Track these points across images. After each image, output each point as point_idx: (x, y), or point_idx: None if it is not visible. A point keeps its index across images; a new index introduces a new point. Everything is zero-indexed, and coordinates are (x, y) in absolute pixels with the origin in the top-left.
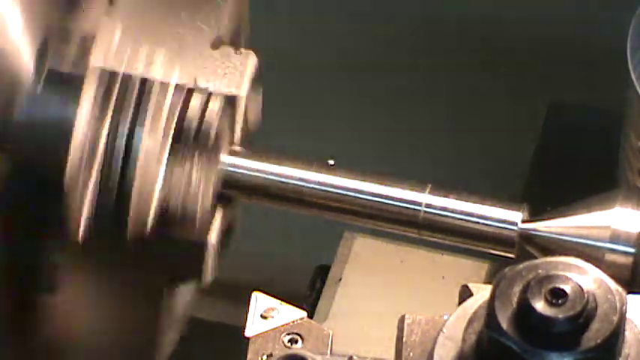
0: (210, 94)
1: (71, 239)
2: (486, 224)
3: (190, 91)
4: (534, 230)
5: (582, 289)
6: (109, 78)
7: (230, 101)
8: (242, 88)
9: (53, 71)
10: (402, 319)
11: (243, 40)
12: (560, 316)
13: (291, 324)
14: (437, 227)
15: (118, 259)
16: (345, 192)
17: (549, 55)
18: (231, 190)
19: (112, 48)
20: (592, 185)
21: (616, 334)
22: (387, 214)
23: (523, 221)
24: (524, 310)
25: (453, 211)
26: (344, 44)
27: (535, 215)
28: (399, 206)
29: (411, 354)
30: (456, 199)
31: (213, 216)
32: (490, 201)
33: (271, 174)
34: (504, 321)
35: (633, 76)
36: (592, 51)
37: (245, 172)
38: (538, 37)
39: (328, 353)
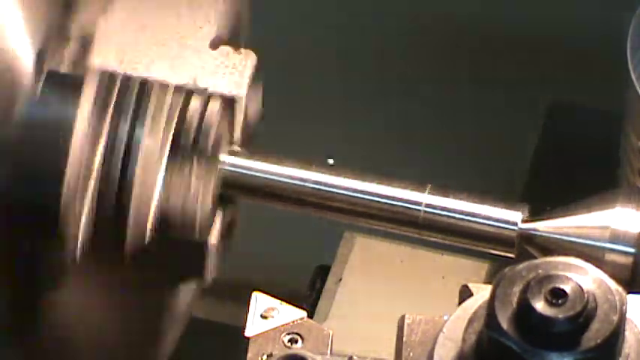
0: (209, 95)
1: (69, 255)
2: (486, 224)
3: (190, 92)
4: (534, 230)
5: (582, 289)
6: (108, 79)
7: (230, 101)
8: (242, 88)
9: (53, 72)
10: (402, 319)
11: (242, 39)
12: (560, 316)
13: (291, 324)
14: (437, 227)
15: (119, 261)
16: (345, 192)
17: (549, 55)
18: (231, 190)
19: (111, 48)
20: (592, 185)
21: (616, 334)
22: (387, 214)
23: (523, 221)
24: (524, 310)
25: (453, 211)
26: (344, 44)
27: (535, 215)
28: (399, 206)
29: (411, 354)
30: (456, 199)
31: (213, 216)
32: (490, 201)
33: (271, 174)
34: (504, 321)
35: (633, 76)
36: (592, 51)
37: (245, 172)
38: (538, 37)
39: (328, 353)
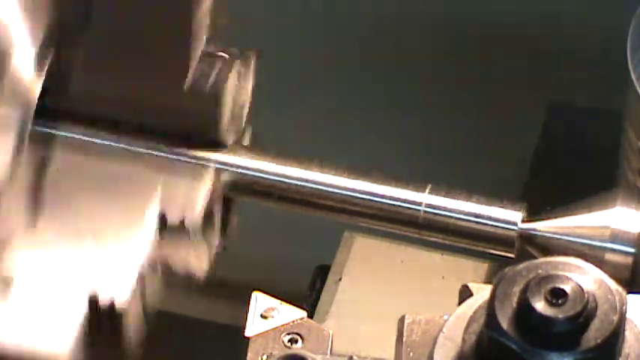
0: None
1: None
2: (486, 224)
3: None
4: (534, 230)
5: (582, 289)
6: None
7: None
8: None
9: None
10: (402, 319)
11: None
12: (560, 316)
13: (291, 324)
14: (437, 227)
15: None
16: (345, 192)
17: (549, 55)
18: (232, 190)
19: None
20: (592, 185)
21: (616, 334)
22: (387, 214)
23: (523, 221)
24: (524, 310)
25: (453, 211)
26: (344, 44)
27: (535, 215)
28: (399, 206)
29: (411, 354)
30: (456, 199)
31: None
32: (490, 201)
33: (271, 174)
34: (504, 321)
35: (633, 76)
36: (592, 51)
37: (245, 172)
38: (538, 37)
39: (328, 353)
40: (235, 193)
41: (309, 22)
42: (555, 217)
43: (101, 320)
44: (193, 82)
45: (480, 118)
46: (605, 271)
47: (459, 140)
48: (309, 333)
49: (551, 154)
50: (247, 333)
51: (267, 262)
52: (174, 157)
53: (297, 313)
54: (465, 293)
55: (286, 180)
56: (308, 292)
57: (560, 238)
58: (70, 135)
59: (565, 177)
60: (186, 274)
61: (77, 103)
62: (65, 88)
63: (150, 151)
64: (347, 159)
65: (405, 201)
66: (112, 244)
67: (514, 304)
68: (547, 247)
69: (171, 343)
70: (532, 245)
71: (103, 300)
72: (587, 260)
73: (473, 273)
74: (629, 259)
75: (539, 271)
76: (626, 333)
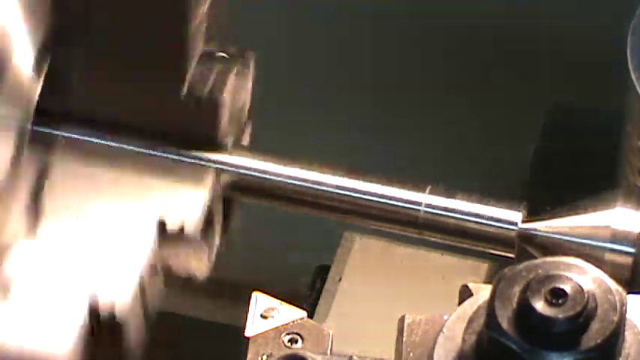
0: None
1: None
2: (486, 224)
3: None
4: (534, 230)
5: (582, 289)
6: None
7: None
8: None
9: None
10: (402, 319)
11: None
12: (560, 316)
13: (291, 324)
14: (437, 227)
15: None
16: (345, 192)
17: (549, 55)
18: (232, 191)
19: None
20: (592, 185)
21: (616, 334)
22: (387, 214)
23: (523, 221)
24: (524, 310)
25: (452, 211)
26: (344, 44)
27: (535, 215)
28: (399, 206)
29: (411, 354)
30: (456, 199)
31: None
32: (490, 201)
33: (271, 174)
34: (504, 321)
35: (633, 76)
36: (592, 51)
37: (245, 172)
38: (538, 37)
39: (328, 353)
40: (235, 193)
41: (309, 21)
42: (555, 217)
43: (102, 323)
44: (192, 84)
45: (479, 118)
46: (605, 271)
47: (459, 140)
48: (309, 333)
49: (551, 154)
50: (247, 333)
51: (267, 262)
52: (175, 158)
53: (297, 313)
54: (465, 293)
55: (286, 180)
56: (308, 292)
57: (560, 238)
58: (70, 136)
59: (565, 177)
60: (186, 275)
61: (76, 104)
62: (64, 89)
63: (150, 153)
64: (347, 159)
65: (404, 201)
66: (112, 245)
67: (514, 304)
68: (547, 247)
69: (172, 343)
70: (532, 245)
71: (104, 302)
72: (587, 260)
73: (473, 273)
74: (629, 259)
75: (539, 271)
76: (626, 333)
